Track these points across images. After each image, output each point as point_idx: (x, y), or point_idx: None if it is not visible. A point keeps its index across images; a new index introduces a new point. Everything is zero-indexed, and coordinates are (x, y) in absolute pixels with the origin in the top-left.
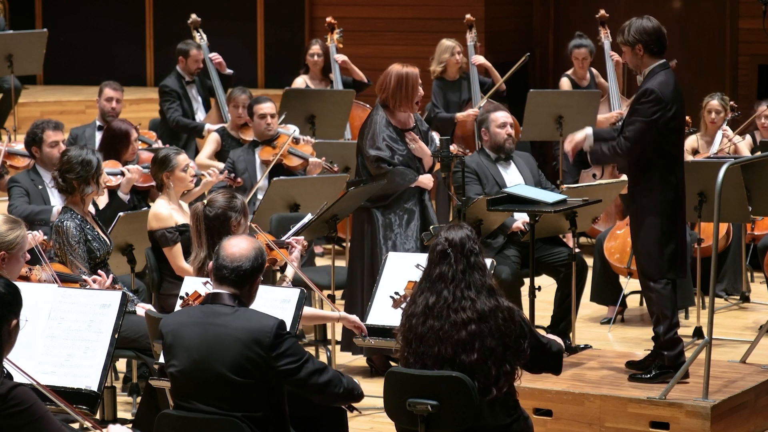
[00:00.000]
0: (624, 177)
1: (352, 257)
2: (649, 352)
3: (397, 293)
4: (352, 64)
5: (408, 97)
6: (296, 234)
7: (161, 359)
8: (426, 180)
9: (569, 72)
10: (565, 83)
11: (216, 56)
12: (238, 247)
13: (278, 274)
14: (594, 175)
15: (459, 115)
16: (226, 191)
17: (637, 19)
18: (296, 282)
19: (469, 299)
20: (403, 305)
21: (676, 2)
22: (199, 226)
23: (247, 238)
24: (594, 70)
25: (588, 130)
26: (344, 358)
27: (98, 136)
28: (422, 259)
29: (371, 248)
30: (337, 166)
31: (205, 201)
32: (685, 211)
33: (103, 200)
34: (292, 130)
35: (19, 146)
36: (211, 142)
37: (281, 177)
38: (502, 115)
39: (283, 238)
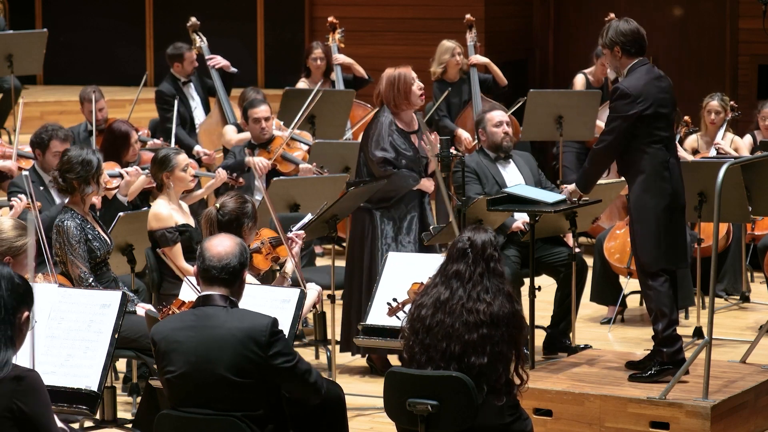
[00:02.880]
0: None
1: (350, 258)
2: (648, 352)
3: (395, 299)
4: (353, 60)
5: (404, 94)
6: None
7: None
8: (428, 183)
9: (587, 70)
10: (579, 80)
11: (216, 61)
12: (222, 245)
13: (277, 274)
14: None
15: (460, 131)
16: (238, 195)
17: (615, 21)
18: (294, 280)
19: (484, 302)
20: (399, 314)
21: (676, 3)
22: (212, 231)
23: (227, 236)
24: (610, 78)
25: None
26: (344, 358)
27: (89, 139)
28: (422, 259)
29: (371, 249)
30: (327, 170)
31: (217, 205)
32: (683, 202)
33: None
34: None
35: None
36: (230, 131)
37: (281, 177)
38: (499, 114)
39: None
